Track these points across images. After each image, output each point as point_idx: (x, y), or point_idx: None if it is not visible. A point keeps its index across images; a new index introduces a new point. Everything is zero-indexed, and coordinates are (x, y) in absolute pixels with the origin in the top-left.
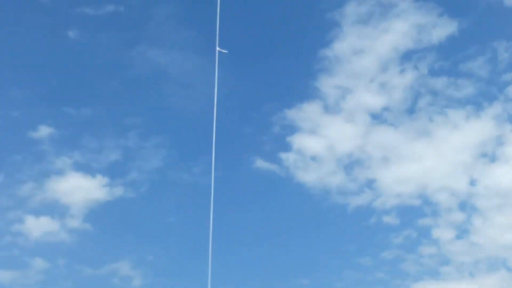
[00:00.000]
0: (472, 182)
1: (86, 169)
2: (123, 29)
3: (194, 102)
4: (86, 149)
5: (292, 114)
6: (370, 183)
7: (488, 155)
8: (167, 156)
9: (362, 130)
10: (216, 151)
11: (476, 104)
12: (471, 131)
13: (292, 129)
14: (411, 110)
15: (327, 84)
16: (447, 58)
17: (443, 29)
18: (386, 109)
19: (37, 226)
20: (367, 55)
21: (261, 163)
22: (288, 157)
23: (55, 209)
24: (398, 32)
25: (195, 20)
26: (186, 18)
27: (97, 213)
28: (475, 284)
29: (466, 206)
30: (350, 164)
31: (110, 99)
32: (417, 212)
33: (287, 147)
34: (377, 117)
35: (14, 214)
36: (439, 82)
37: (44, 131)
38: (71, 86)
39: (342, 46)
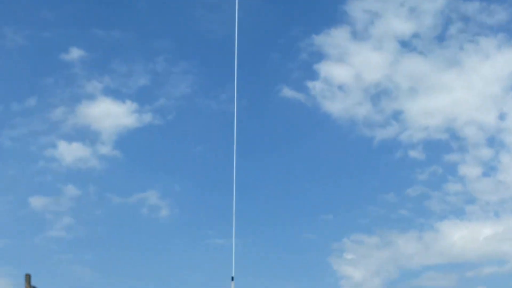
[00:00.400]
0: (502, 116)
1: (116, 94)
2: None
3: (221, 25)
4: (115, 73)
5: (320, 40)
6: (397, 115)
7: None
8: (195, 83)
9: (391, 58)
10: (242, 78)
11: (509, 31)
12: (503, 61)
13: (320, 56)
14: (441, 38)
15: (356, 8)
16: None
17: None
18: (415, 36)
19: (69, 152)
20: None
21: (287, 92)
22: (314, 86)
23: (86, 135)
24: None
25: None
26: None
27: (127, 140)
28: (501, 224)
29: (494, 141)
30: (377, 94)
31: (138, 21)
32: (444, 147)
33: (314, 75)
34: (406, 45)
35: (47, 139)
36: (471, 7)
37: (75, 53)
38: (100, 7)
39: None
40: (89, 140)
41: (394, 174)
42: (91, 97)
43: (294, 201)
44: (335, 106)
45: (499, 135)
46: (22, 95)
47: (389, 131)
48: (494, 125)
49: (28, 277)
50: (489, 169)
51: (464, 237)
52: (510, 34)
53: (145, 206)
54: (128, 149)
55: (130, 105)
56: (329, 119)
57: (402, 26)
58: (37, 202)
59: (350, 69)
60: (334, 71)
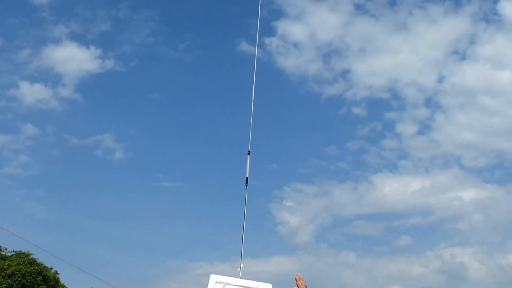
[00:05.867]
0: (440, 79)
1: (80, 39)
2: None
3: None
4: (81, 18)
5: None
6: (344, 74)
7: (459, 53)
8: (155, 31)
9: (344, 19)
10: (202, 29)
11: (456, 0)
12: (447, 27)
13: (278, 13)
14: (392, 2)
15: None
16: None
17: None
18: None
19: (31, 93)
20: None
21: (245, 46)
22: (271, 42)
23: (49, 77)
24: None
25: None
26: None
27: (88, 84)
28: (429, 179)
29: (431, 102)
30: (329, 53)
31: None
32: (384, 106)
33: (271, 32)
34: (360, 7)
35: (10, 79)
36: None
37: None
38: None
39: None
40: (51, 82)
41: (337, 129)
42: (56, 41)
43: (242, 149)
44: (288, 62)
45: (436, 96)
46: None
47: (336, 88)
48: (433, 87)
49: None
50: (424, 128)
51: (394, 189)
52: (457, 2)
53: (100, 148)
54: (89, 92)
55: (94, 51)
56: (282, 75)
57: None
58: None
59: (306, 28)
60: (290, 29)
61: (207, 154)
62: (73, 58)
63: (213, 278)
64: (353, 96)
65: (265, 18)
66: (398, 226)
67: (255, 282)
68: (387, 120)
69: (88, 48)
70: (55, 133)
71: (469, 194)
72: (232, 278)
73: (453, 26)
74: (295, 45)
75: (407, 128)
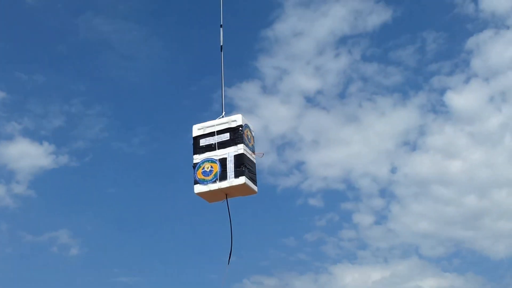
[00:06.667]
0: (393, 170)
1: (34, 135)
2: None
3: (134, 72)
4: (33, 114)
5: (232, 92)
6: (299, 165)
7: (410, 144)
8: (109, 125)
9: (296, 112)
10: (156, 122)
11: (404, 92)
12: (396, 119)
13: (231, 107)
14: (342, 95)
15: (266, 64)
16: (379, 45)
17: (378, 16)
18: (319, 92)
19: None
20: (306, 38)
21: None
22: None
23: (2, 174)
24: (336, 17)
25: None
26: None
27: (42, 181)
28: (389, 269)
29: (385, 193)
30: (283, 145)
31: (58, 66)
32: (340, 196)
33: None
34: (311, 100)
35: None
36: (370, 68)
37: None
38: (23, 51)
39: (283, 27)
40: (4, 179)
41: (295, 220)
42: (9, 137)
43: (199, 243)
44: None
45: (390, 187)
46: None
47: (291, 179)
48: (386, 177)
49: None
50: (381, 218)
51: (355, 280)
52: (405, 94)
53: (56, 245)
54: (43, 189)
55: (47, 147)
56: None
57: (308, 83)
58: None
59: (259, 120)
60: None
61: (165, 248)
62: (26, 155)
63: (195, 126)
64: (309, 187)
65: (218, 112)
66: None
67: (226, 118)
68: (344, 210)
69: (41, 144)
70: (9, 230)
71: (430, 283)
72: (209, 121)
73: (402, 118)
74: None
75: (364, 219)
